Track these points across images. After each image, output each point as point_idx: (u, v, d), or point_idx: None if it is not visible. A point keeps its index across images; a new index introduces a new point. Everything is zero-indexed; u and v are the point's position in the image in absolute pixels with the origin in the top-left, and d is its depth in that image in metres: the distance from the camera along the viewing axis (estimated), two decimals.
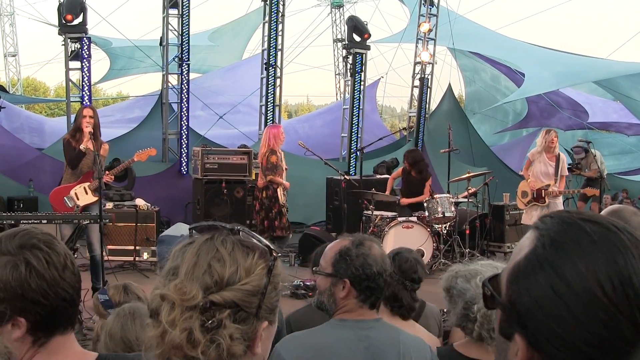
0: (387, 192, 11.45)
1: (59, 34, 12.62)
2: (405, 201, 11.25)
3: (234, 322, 1.35)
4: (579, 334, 1.03)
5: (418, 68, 17.43)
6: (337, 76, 34.72)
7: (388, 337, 2.89)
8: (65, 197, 8.35)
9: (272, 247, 1.46)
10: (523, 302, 1.08)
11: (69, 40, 12.49)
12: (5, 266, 1.71)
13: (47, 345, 1.78)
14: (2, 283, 1.70)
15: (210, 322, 1.33)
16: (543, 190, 10.08)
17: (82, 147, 8.21)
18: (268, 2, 14.71)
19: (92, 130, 8.19)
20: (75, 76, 13.00)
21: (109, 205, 10.34)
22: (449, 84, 19.03)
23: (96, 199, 8.24)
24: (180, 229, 2.80)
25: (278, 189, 9.99)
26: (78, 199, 8.39)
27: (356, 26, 15.85)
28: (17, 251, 1.73)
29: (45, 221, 7.42)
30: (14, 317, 1.71)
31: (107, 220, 8.15)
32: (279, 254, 1.46)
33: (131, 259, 10.11)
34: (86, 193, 8.29)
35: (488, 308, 1.20)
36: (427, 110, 17.43)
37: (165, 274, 1.42)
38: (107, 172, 8.57)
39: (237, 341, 1.35)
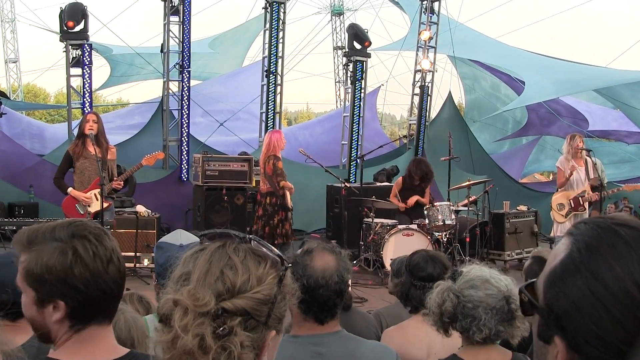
0: (392, 198, 11.44)
1: (60, 40, 12.66)
2: (412, 201, 11.18)
3: (244, 329, 1.36)
4: (618, 334, 1.05)
5: (418, 76, 17.45)
6: (337, 84, 34.79)
7: (343, 352, 2.79)
8: (76, 205, 8.40)
9: (283, 257, 1.46)
10: (561, 305, 1.11)
11: (70, 46, 12.53)
12: (54, 251, 1.82)
13: (82, 332, 1.87)
14: (48, 266, 1.81)
15: (221, 329, 1.34)
16: (580, 198, 10.08)
17: (69, 190, 8.34)
18: (269, 10, 14.74)
19: (96, 133, 8.24)
20: (76, 82, 13.04)
21: None
22: (449, 92, 19.06)
23: (108, 204, 8.28)
24: (179, 236, 2.80)
25: (286, 195, 9.96)
26: (89, 206, 8.45)
27: (357, 34, 15.88)
28: (67, 239, 1.84)
29: None
30: (55, 300, 1.82)
31: (109, 227, 8.16)
32: (290, 264, 1.47)
33: (131, 265, 10.09)
34: (97, 199, 8.33)
35: (525, 314, 1.23)
36: (427, 118, 17.44)
37: (175, 280, 1.43)
38: (115, 178, 8.60)
39: (247, 349, 1.36)
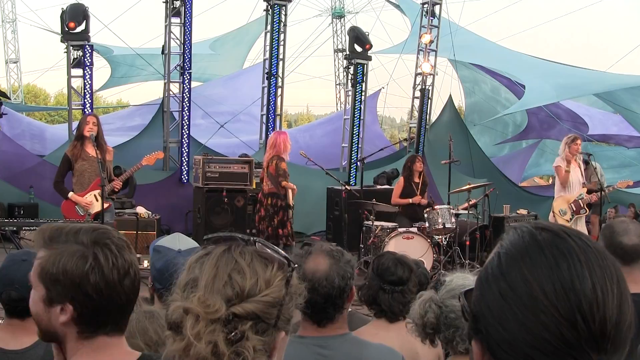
0: (396, 198, 11.39)
1: (62, 41, 12.66)
2: (424, 201, 11.21)
3: (255, 333, 1.36)
4: (523, 337, 1.06)
5: (419, 79, 17.46)
6: (338, 86, 34.84)
7: (348, 355, 2.79)
8: (76, 206, 8.39)
9: (289, 259, 1.46)
10: (478, 307, 1.14)
11: (71, 47, 12.53)
12: (74, 254, 1.81)
13: (92, 341, 1.86)
14: (65, 269, 1.80)
15: (233, 334, 1.34)
16: (580, 201, 10.07)
17: (70, 194, 8.33)
18: (270, 12, 14.75)
19: (96, 135, 8.24)
20: (76, 83, 13.04)
21: None
22: (450, 95, 19.07)
23: (107, 205, 8.27)
24: (177, 241, 2.76)
25: (288, 194, 9.94)
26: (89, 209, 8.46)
27: (358, 37, 15.88)
28: (90, 244, 1.82)
29: None
30: (64, 302, 1.81)
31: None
32: (296, 265, 1.47)
33: None
34: (97, 200, 8.32)
35: (465, 319, 1.24)
36: (427, 121, 17.45)
37: (182, 286, 1.43)
38: (114, 178, 8.59)
39: (260, 352, 1.36)
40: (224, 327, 1.34)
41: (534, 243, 1.11)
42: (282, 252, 1.48)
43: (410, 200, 11.24)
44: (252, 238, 1.50)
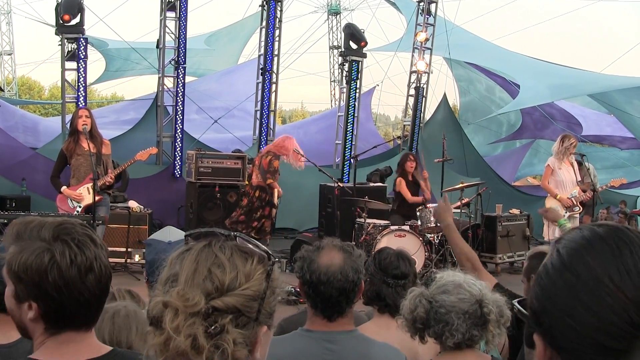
0: (409, 196, 11.35)
1: (56, 34, 12.61)
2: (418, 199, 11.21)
3: (235, 327, 1.36)
4: (590, 322, 1.08)
5: (414, 77, 17.46)
6: (333, 83, 34.81)
7: (355, 351, 2.82)
8: (68, 199, 8.43)
9: (270, 253, 1.47)
10: (539, 301, 1.16)
11: (65, 40, 12.48)
12: (34, 252, 1.77)
13: (58, 336, 1.83)
14: (25, 266, 1.77)
15: (213, 327, 1.34)
16: (573, 199, 10.06)
17: (62, 188, 8.37)
18: (265, 7, 14.74)
19: (90, 128, 8.25)
20: (70, 76, 12.99)
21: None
22: (444, 94, 19.09)
23: (99, 198, 8.28)
24: (167, 233, 2.76)
25: (274, 193, 9.99)
26: (81, 202, 8.48)
27: (353, 34, 15.87)
28: (50, 241, 1.78)
29: None
30: (29, 300, 1.79)
31: (101, 222, 8.16)
32: (277, 259, 1.47)
33: (123, 260, 10.07)
34: (88, 193, 8.34)
35: (516, 327, 1.26)
36: (421, 119, 17.45)
37: (163, 282, 1.43)
38: (108, 171, 8.60)
39: (240, 346, 1.37)
40: (204, 320, 1.34)
41: (595, 235, 1.15)
42: (263, 246, 1.49)
43: (420, 199, 11.23)
44: (232, 233, 1.50)
